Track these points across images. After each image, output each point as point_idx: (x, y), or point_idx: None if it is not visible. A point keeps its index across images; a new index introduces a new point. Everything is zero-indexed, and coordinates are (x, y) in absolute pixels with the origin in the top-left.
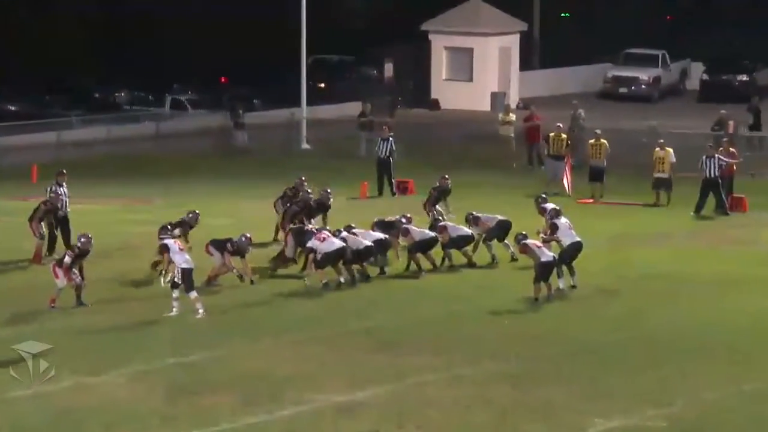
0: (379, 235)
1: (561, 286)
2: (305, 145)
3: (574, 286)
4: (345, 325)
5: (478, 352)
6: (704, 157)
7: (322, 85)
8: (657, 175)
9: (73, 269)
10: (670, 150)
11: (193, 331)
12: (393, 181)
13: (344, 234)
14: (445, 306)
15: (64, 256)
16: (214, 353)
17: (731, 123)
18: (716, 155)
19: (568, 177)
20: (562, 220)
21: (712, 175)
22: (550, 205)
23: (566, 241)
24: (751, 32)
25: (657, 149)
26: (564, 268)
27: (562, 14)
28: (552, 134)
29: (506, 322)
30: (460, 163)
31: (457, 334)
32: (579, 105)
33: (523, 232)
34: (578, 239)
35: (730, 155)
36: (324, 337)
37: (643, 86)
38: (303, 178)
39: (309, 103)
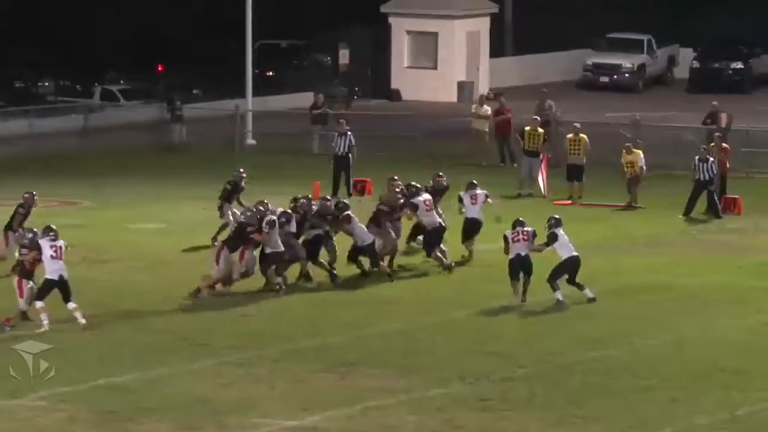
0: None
1: (560, 298)
2: (251, 141)
3: (592, 299)
4: (295, 343)
5: (444, 373)
6: (696, 160)
7: (270, 73)
8: (630, 178)
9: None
10: (640, 153)
11: (124, 349)
12: (351, 180)
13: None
14: (407, 320)
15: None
16: (148, 374)
17: (724, 116)
18: (710, 159)
19: (544, 176)
20: (562, 232)
21: (706, 178)
22: (477, 192)
23: (564, 254)
24: (747, 14)
25: (624, 153)
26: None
27: None
28: (528, 128)
29: (475, 338)
30: (424, 160)
31: (420, 351)
32: (548, 94)
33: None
34: (576, 253)
35: (723, 151)
36: (271, 356)
37: (626, 74)
38: (242, 170)
39: (255, 94)
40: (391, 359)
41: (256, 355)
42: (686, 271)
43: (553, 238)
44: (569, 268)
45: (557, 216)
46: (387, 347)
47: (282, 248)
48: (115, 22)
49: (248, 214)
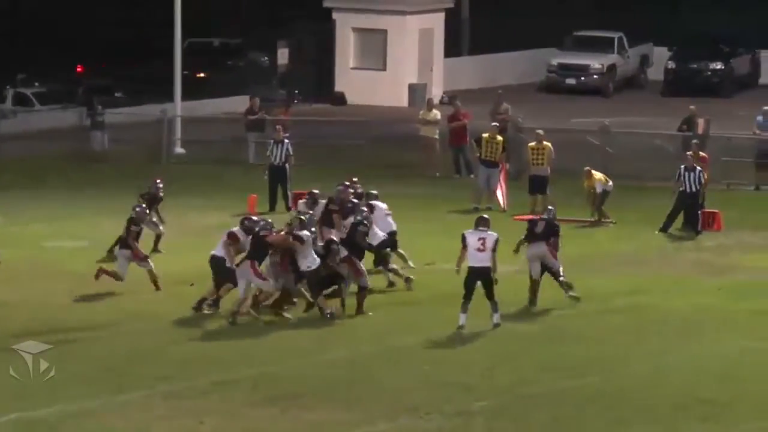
0: None
1: (461, 322)
2: (179, 149)
3: (496, 324)
4: (230, 373)
5: (394, 406)
6: (682, 169)
7: (201, 74)
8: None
9: None
10: (600, 178)
11: (42, 380)
12: (289, 193)
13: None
14: (354, 347)
15: None
16: (68, 407)
17: (701, 121)
18: (697, 168)
19: (503, 187)
20: (471, 239)
21: (692, 190)
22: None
23: (469, 262)
24: (728, 8)
25: (585, 178)
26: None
27: None
28: (485, 135)
29: (426, 368)
30: (372, 170)
31: (368, 382)
32: (504, 96)
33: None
34: (485, 264)
35: (701, 160)
36: (204, 388)
37: (594, 76)
38: (158, 181)
39: (185, 98)
40: (335, 390)
41: (185, 385)
42: (662, 293)
43: (462, 240)
44: (474, 278)
45: (485, 216)
46: (331, 377)
47: (317, 264)
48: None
49: (262, 223)
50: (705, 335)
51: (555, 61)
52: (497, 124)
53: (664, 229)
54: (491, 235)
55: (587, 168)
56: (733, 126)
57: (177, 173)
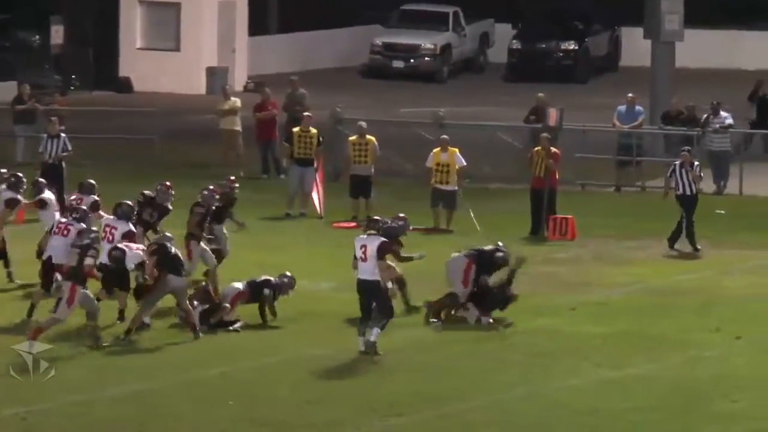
0: None
1: (360, 346)
2: None
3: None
4: None
5: None
6: (677, 165)
7: None
8: (438, 186)
9: None
10: (456, 151)
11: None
12: (65, 196)
13: None
14: (146, 380)
15: None
16: None
17: (553, 112)
18: (696, 163)
19: (320, 190)
20: (355, 246)
21: (690, 192)
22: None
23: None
24: None
25: (437, 150)
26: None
27: None
28: (296, 129)
29: (231, 403)
30: (164, 170)
31: (160, 421)
32: (299, 83)
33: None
34: (362, 276)
35: (552, 157)
36: None
37: (426, 58)
38: (168, 186)
39: None
40: (121, 427)
41: None
42: (508, 314)
43: None
44: (362, 293)
45: (376, 217)
46: (119, 416)
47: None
48: None
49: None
50: (557, 364)
51: (379, 41)
52: (309, 114)
53: (671, 240)
54: (374, 241)
55: (444, 137)
56: (589, 117)
57: None
